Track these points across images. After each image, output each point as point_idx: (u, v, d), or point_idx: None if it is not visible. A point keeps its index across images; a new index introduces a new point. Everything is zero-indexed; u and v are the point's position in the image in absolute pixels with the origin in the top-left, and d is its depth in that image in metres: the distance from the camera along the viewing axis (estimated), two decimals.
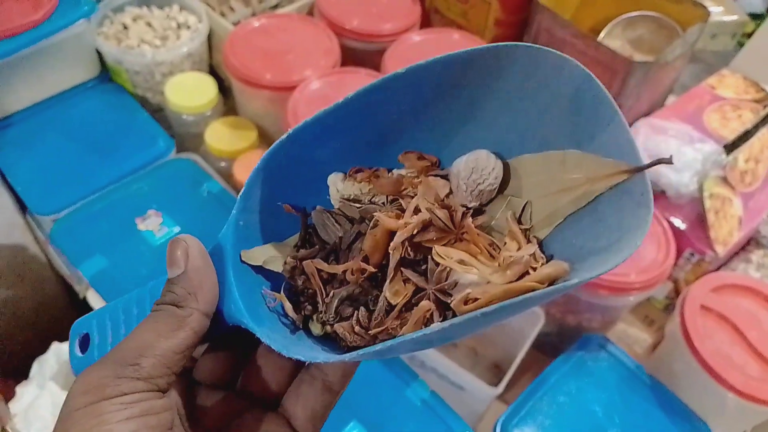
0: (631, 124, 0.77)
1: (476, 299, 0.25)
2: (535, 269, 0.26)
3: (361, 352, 0.25)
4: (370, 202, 0.31)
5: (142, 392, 0.24)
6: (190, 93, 0.79)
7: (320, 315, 0.29)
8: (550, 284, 0.25)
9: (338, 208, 0.31)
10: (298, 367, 0.30)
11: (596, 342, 0.63)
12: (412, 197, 0.30)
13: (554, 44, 0.77)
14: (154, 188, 0.73)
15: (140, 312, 0.29)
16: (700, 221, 0.69)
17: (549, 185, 0.29)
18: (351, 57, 0.83)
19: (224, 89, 0.85)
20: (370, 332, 0.27)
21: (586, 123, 0.27)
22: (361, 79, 0.75)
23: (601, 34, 0.86)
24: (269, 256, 0.31)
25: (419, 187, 0.30)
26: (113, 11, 0.85)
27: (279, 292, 0.30)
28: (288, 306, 0.30)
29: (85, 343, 0.30)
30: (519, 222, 0.29)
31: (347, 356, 0.25)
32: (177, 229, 0.70)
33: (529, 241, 0.28)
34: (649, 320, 0.77)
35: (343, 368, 0.29)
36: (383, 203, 0.31)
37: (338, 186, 0.32)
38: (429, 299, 0.27)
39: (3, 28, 0.71)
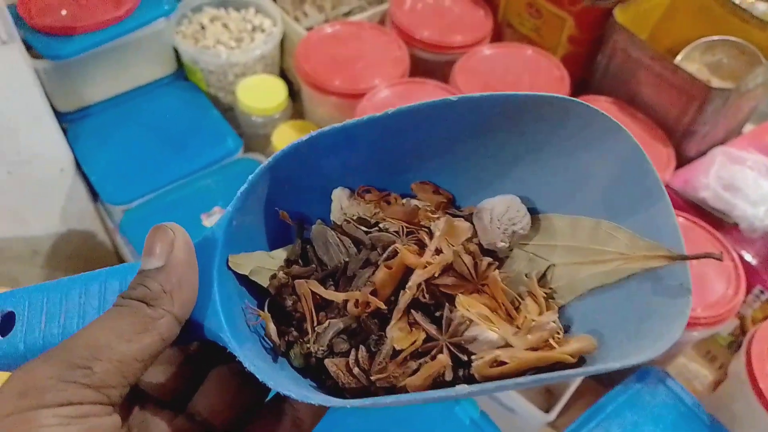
0: (705, 152, 0.74)
1: (502, 363, 0.23)
2: (556, 339, 0.25)
3: (368, 401, 0.23)
4: (380, 229, 0.28)
5: (90, 404, 0.20)
6: (260, 95, 0.80)
7: (306, 344, 0.26)
8: (580, 359, 0.24)
9: (341, 227, 0.29)
10: (255, 392, 0.26)
11: (655, 375, 0.61)
12: (427, 232, 0.28)
13: (630, 65, 0.75)
14: (221, 186, 0.75)
15: (86, 301, 0.25)
16: None
17: (576, 252, 0.27)
18: (420, 67, 0.83)
19: (294, 92, 0.87)
20: (371, 377, 0.25)
21: (628, 196, 0.26)
22: (429, 90, 0.75)
23: (679, 57, 0.83)
24: (256, 266, 0.27)
25: (441, 225, 0.27)
26: (192, 11, 0.87)
27: (263, 309, 0.27)
28: (272, 328, 0.26)
29: (7, 324, 0.25)
30: (540, 283, 0.27)
31: (352, 403, 0.23)
32: None
33: (549, 307, 0.26)
34: (712, 356, 0.74)
35: (316, 408, 0.25)
36: (396, 232, 0.28)
37: (343, 203, 0.29)
38: (443, 352, 0.25)
39: (87, 22, 0.75)
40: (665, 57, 0.71)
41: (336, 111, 0.79)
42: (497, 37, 0.88)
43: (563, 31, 0.79)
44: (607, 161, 0.27)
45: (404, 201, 0.30)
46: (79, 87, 0.79)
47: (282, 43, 0.88)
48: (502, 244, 0.28)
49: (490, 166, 0.29)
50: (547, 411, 0.58)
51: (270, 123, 0.82)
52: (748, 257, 0.67)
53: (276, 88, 0.82)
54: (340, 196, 0.29)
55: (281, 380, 0.24)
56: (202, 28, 0.85)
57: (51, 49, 0.73)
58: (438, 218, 0.28)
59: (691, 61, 0.84)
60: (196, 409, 0.25)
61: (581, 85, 0.83)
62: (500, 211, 0.27)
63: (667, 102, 0.73)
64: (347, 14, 0.92)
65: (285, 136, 0.79)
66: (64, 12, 0.77)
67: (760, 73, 0.72)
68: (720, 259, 0.25)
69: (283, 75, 0.91)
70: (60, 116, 0.79)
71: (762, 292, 0.67)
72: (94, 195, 0.81)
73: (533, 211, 0.29)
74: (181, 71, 0.87)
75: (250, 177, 0.26)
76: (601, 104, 0.77)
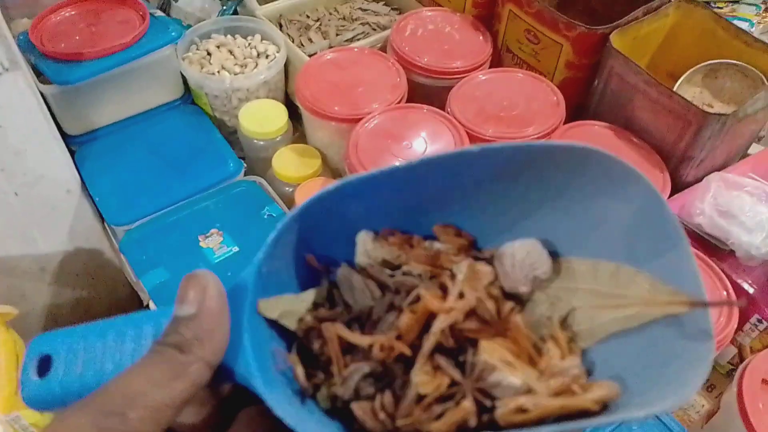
0: (702, 178, 0.73)
1: (526, 410, 0.24)
2: (580, 384, 0.25)
3: None
4: (403, 272, 0.29)
5: None
6: (261, 119, 0.82)
7: (333, 387, 0.26)
8: (603, 406, 0.24)
9: (366, 270, 0.29)
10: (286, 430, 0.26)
11: None
12: (450, 276, 0.28)
13: (626, 90, 0.75)
14: (220, 208, 0.77)
15: (122, 346, 0.26)
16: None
17: (597, 295, 0.28)
18: (419, 92, 0.84)
19: (298, 116, 0.88)
20: (396, 423, 0.25)
21: (647, 241, 0.27)
22: (422, 116, 0.76)
23: (680, 80, 0.82)
24: (285, 309, 0.28)
25: (464, 269, 0.28)
26: (200, 37, 0.90)
27: (290, 351, 0.28)
28: (300, 371, 0.27)
29: (44, 366, 0.26)
30: (561, 327, 0.28)
31: None
32: (236, 248, 0.73)
33: (571, 351, 0.27)
34: (709, 385, 0.73)
35: None
36: (419, 275, 0.29)
37: (368, 246, 0.30)
38: (468, 399, 0.25)
39: (97, 48, 0.78)
40: (660, 83, 0.71)
41: (335, 135, 0.81)
42: (497, 62, 0.89)
43: (560, 56, 0.80)
44: (627, 207, 0.27)
45: (427, 243, 0.30)
46: (87, 111, 0.82)
47: (286, 69, 0.90)
48: (524, 288, 0.28)
49: (512, 210, 0.30)
50: None
51: (271, 146, 0.84)
52: (745, 285, 0.65)
53: (277, 113, 0.83)
54: (364, 240, 0.30)
55: (309, 425, 0.24)
56: (209, 54, 0.88)
57: (60, 75, 0.76)
58: (459, 262, 0.29)
59: (692, 85, 0.83)
60: None
61: (578, 110, 0.83)
62: (521, 256, 0.28)
63: (664, 127, 0.73)
64: (350, 40, 0.93)
65: (285, 160, 0.81)
66: (73, 39, 0.80)
67: (760, 98, 0.71)
68: (743, 306, 0.25)
69: (288, 99, 0.93)
70: (69, 139, 0.82)
71: (760, 321, 0.65)
72: (101, 215, 0.84)
73: (554, 254, 0.29)
74: (189, 95, 0.90)
75: (278, 225, 0.27)
76: (597, 129, 0.77)
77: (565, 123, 0.77)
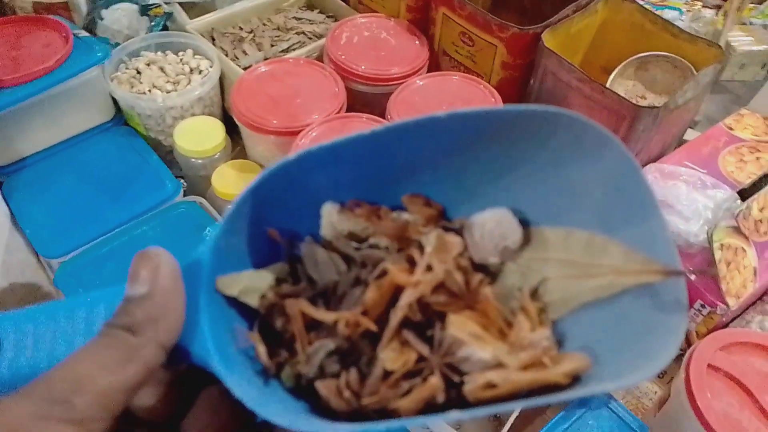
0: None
1: (495, 385, 0.23)
2: (550, 356, 0.24)
3: (359, 426, 0.23)
4: (370, 245, 0.28)
5: None
6: (198, 137, 0.80)
7: (297, 365, 0.26)
8: (574, 379, 0.24)
9: (331, 243, 0.28)
10: (248, 412, 0.25)
11: (598, 398, 0.61)
12: (418, 247, 0.27)
13: (560, 88, 0.76)
14: (158, 232, 0.74)
15: (74, 327, 0.25)
16: (711, 272, 0.66)
17: (569, 265, 0.27)
18: (359, 100, 0.83)
19: (238, 131, 0.86)
20: (362, 401, 0.24)
21: (621, 210, 0.26)
22: (362, 124, 0.75)
23: (613, 74, 0.84)
24: (245, 286, 0.27)
25: (432, 240, 0.27)
26: (128, 56, 0.87)
27: (251, 329, 0.27)
28: (262, 350, 0.26)
29: None
30: (532, 298, 0.27)
31: (344, 427, 0.23)
32: None
33: (541, 323, 0.26)
34: (661, 371, 0.74)
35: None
36: (386, 248, 0.28)
37: (333, 218, 0.29)
38: (435, 375, 0.24)
39: (18, 74, 0.74)
40: (593, 80, 0.72)
41: (275, 148, 0.79)
42: (434, 66, 0.89)
43: (495, 57, 0.80)
44: (600, 173, 0.26)
45: (395, 214, 0.29)
46: (12, 140, 0.78)
47: (221, 83, 0.88)
48: (494, 259, 0.28)
49: (482, 178, 0.29)
50: None
51: (210, 164, 0.81)
52: (686, 273, 0.67)
53: (214, 130, 0.81)
54: (330, 212, 0.29)
55: (271, 407, 0.23)
56: (138, 72, 0.85)
57: None
58: (428, 233, 0.27)
59: (625, 78, 0.85)
60: (186, 428, 0.25)
61: None
62: (491, 226, 0.27)
63: (599, 122, 0.73)
64: (286, 51, 0.92)
65: (225, 177, 0.79)
66: None
67: (689, 88, 0.73)
68: (715, 276, 0.24)
69: (225, 114, 0.91)
70: None
71: (703, 306, 0.67)
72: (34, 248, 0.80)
73: (525, 224, 0.28)
74: (120, 117, 0.87)
75: (236, 198, 0.26)
76: None
77: None
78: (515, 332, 0.25)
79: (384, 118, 0.77)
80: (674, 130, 0.79)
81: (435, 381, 0.24)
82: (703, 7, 1.35)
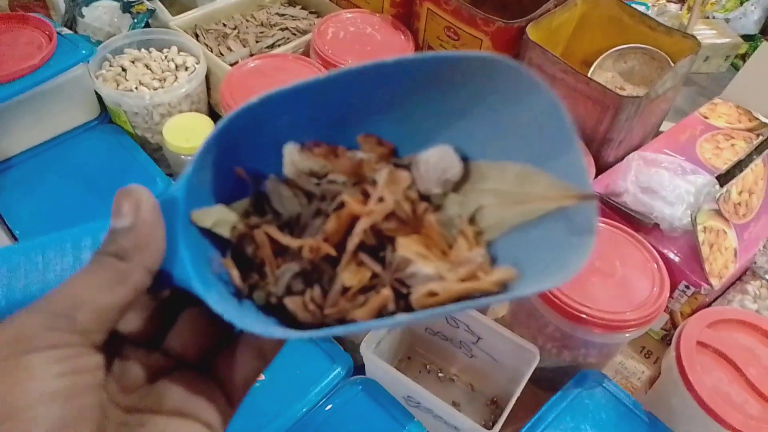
0: (623, 158, 0.77)
1: (436, 294, 0.27)
2: (484, 270, 0.28)
3: (323, 331, 0.26)
4: (328, 180, 0.31)
5: (75, 347, 0.23)
6: (187, 133, 0.80)
7: (266, 286, 0.29)
8: (502, 287, 0.28)
9: (293, 180, 0.31)
10: (224, 330, 0.29)
11: (593, 378, 0.63)
12: (371, 182, 0.30)
13: (545, 79, 0.78)
14: None
15: (62, 259, 0.27)
16: (694, 254, 0.69)
17: (503, 194, 0.30)
18: None
19: None
20: (325, 311, 0.28)
21: (547, 144, 0.29)
22: None
23: (592, 67, 0.87)
24: (217, 218, 0.29)
25: (384, 175, 0.30)
26: (112, 53, 0.86)
27: (224, 257, 0.29)
28: (235, 274, 0.29)
29: None
30: (470, 223, 0.31)
31: (310, 334, 0.26)
32: None
33: (477, 243, 0.30)
34: (647, 351, 0.77)
35: (276, 339, 0.29)
36: (343, 183, 0.31)
37: (294, 157, 0.31)
38: (387, 287, 0.28)
39: (2, 73, 0.73)
40: (577, 71, 0.74)
41: None
42: None
43: (481, 50, 0.82)
44: (529, 113, 0.29)
45: (351, 153, 0.32)
46: None
47: (207, 80, 0.87)
48: (437, 190, 0.31)
49: (428, 119, 0.31)
50: (494, 421, 0.59)
51: None
52: (671, 255, 0.70)
53: (202, 126, 0.81)
54: (291, 151, 0.31)
55: (246, 319, 0.26)
56: (123, 70, 0.84)
57: None
58: (380, 169, 0.31)
59: (605, 70, 0.87)
60: (170, 345, 0.28)
61: None
62: (434, 161, 0.30)
63: (584, 112, 0.76)
64: (271, 47, 0.92)
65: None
66: None
67: (668, 78, 0.76)
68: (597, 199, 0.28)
69: (212, 111, 0.90)
70: None
71: (687, 287, 0.70)
72: None
73: (465, 159, 0.31)
74: (106, 115, 0.86)
75: (206, 138, 0.28)
76: None
77: None
78: (455, 252, 0.29)
79: None
80: (653, 120, 0.82)
81: (386, 292, 0.27)
82: (668, 1, 1.39)
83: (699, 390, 0.57)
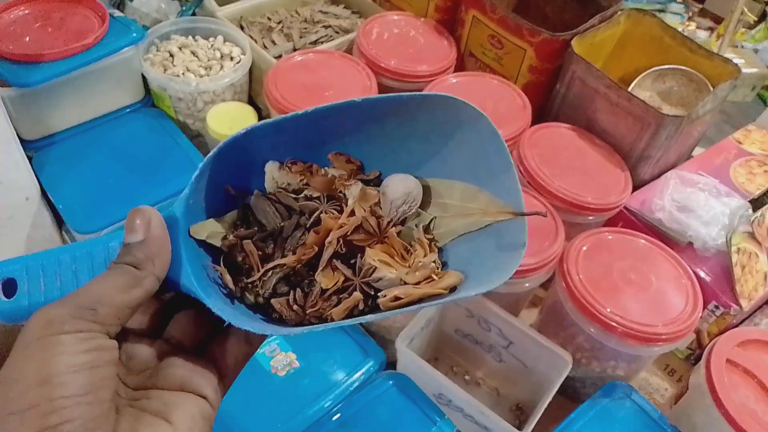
0: (659, 175, 0.78)
1: (400, 298, 0.32)
2: (437, 273, 0.34)
3: (305, 328, 0.31)
4: (306, 197, 0.36)
5: (96, 332, 0.27)
6: (231, 122, 0.81)
7: (255, 289, 0.33)
8: (451, 290, 0.33)
9: (274, 195, 0.36)
10: (216, 321, 0.33)
11: (621, 390, 0.64)
12: (342, 196, 0.36)
13: (587, 93, 0.79)
14: None
15: (78, 266, 0.31)
16: (725, 274, 0.70)
17: (451, 208, 0.36)
18: None
19: (261, 118, 0.88)
20: (306, 310, 0.33)
21: (488, 167, 0.35)
22: None
23: (632, 85, 0.88)
24: (211, 231, 0.34)
25: (355, 192, 0.36)
26: (159, 39, 0.88)
27: (217, 264, 0.34)
28: (228, 278, 0.33)
29: (9, 289, 0.31)
30: (425, 232, 0.36)
31: (294, 330, 0.30)
32: None
33: (431, 249, 0.35)
34: (670, 369, 0.78)
35: None
36: (318, 199, 0.36)
37: (274, 174, 0.36)
38: (357, 290, 0.33)
39: (55, 50, 0.75)
40: (621, 86, 0.75)
41: None
42: (460, 66, 0.92)
43: (524, 61, 0.83)
44: (473, 140, 0.35)
45: (324, 170, 0.37)
46: (45, 114, 0.78)
47: (250, 71, 0.89)
48: (404, 208, 0.37)
49: (390, 141, 0.37)
50: (519, 428, 0.60)
51: None
52: (702, 274, 0.71)
53: (246, 115, 0.82)
54: (271, 169, 0.36)
55: (239, 318, 0.30)
56: (171, 55, 0.86)
57: (18, 77, 0.72)
58: (350, 185, 0.36)
59: (643, 89, 0.89)
60: (170, 334, 0.32)
61: (540, 112, 0.86)
62: (399, 203, 0.35)
63: (623, 128, 0.77)
64: (314, 43, 0.93)
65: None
66: (27, 39, 0.76)
67: (709, 101, 0.77)
68: (545, 216, 0.35)
69: (252, 102, 0.92)
70: (25, 144, 0.77)
71: (717, 307, 0.71)
72: (59, 223, 0.80)
73: (421, 178, 0.37)
74: (149, 98, 0.87)
75: (200, 164, 0.32)
76: (563, 130, 0.81)
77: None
78: (413, 257, 0.35)
79: None
80: (690, 141, 0.83)
81: (357, 294, 0.33)
82: (698, 28, 1.41)
83: (727, 406, 0.58)
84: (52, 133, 0.80)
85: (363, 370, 0.64)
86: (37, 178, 0.75)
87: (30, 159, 0.77)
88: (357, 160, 0.38)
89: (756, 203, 0.75)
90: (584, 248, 0.68)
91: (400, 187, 0.36)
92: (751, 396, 0.60)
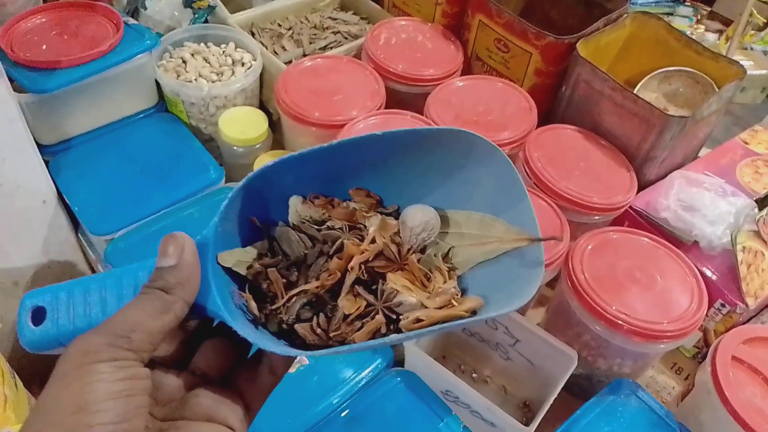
0: (665, 176, 0.79)
1: (421, 320, 0.33)
2: (456, 299, 0.35)
3: (330, 350, 0.32)
4: (328, 227, 0.37)
5: (131, 360, 0.28)
6: (242, 126, 0.83)
7: (279, 315, 0.34)
8: (472, 313, 0.34)
9: (298, 226, 0.37)
10: (240, 352, 0.34)
11: (628, 387, 0.64)
12: (363, 227, 0.37)
13: (592, 95, 0.80)
14: (204, 215, 0.77)
15: (107, 295, 0.32)
16: (731, 273, 0.71)
17: (469, 237, 0.38)
18: (395, 99, 0.86)
19: (272, 123, 0.89)
20: (329, 335, 0.34)
21: (503, 197, 0.37)
22: (406, 121, 0.79)
23: (637, 87, 0.88)
24: (237, 259, 0.35)
25: (376, 222, 0.37)
26: (172, 45, 0.90)
27: (243, 291, 0.35)
28: (253, 305, 0.34)
29: (38, 317, 0.31)
30: (444, 260, 0.37)
31: (318, 353, 0.31)
32: None
33: (450, 277, 0.36)
34: (678, 368, 0.78)
35: (286, 358, 0.34)
36: (341, 228, 0.37)
37: (298, 207, 0.38)
38: (379, 314, 0.34)
39: (73, 56, 0.77)
40: (626, 88, 0.76)
41: (316, 141, 0.82)
42: (467, 70, 0.93)
43: (530, 64, 0.84)
44: (488, 173, 0.37)
45: (345, 203, 0.38)
46: (61, 120, 0.80)
47: (261, 76, 0.90)
48: (424, 235, 0.38)
49: (408, 176, 0.38)
50: (526, 425, 0.60)
51: (251, 153, 0.84)
52: (708, 273, 0.71)
53: (258, 120, 0.84)
54: (295, 202, 0.38)
55: (264, 341, 0.31)
56: (184, 62, 0.88)
57: (35, 84, 0.74)
58: (371, 216, 0.37)
59: (649, 91, 0.89)
60: (196, 365, 0.33)
61: (546, 115, 0.87)
62: (417, 231, 0.37)
63: (629, 129, 0.78)
64: (324, 48, 0.95)
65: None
66: (44, 47, 0.79)
67: (713, 102, 0.77)
68: (560, 240, 0.34)
69: (262, 106, 0.93)
70: (42, 148, 0.79)
71: (723, 305, 0.71)
72: (75, 226, 0.82)
73: (439, 209, 0.38)
74: (163, 103, 0.89)
75: (229, 194, 0.34)
76: (568, 132, 0.82)
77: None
78: (433, 284, 0.36)
79: (421, 115, 0.80)
80: (695, 142, 0.84)
81: (380, 318, 0.34)
82: (706, 31, 1.41)
83: (733, 403, 0.59)
84: (68, 137, 0.82)
85: (371, 367, 0.65)
86: (54, 182, 0.77)
87: (47, 163, 0.79)
88: (376, 195, 0.39)
89: (762, 202, 0.75)
90: (590, 247, 0.69)
91: (419, 215, 0.37)
92: (758, 393, 0.61)
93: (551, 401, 0.62)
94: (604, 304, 0.63)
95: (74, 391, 0.26)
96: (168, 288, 0.30)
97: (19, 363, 0.75)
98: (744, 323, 0.74)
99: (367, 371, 0.65)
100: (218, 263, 0.34)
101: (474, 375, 0.75)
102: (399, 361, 0.68)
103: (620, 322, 0.63)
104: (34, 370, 0.76)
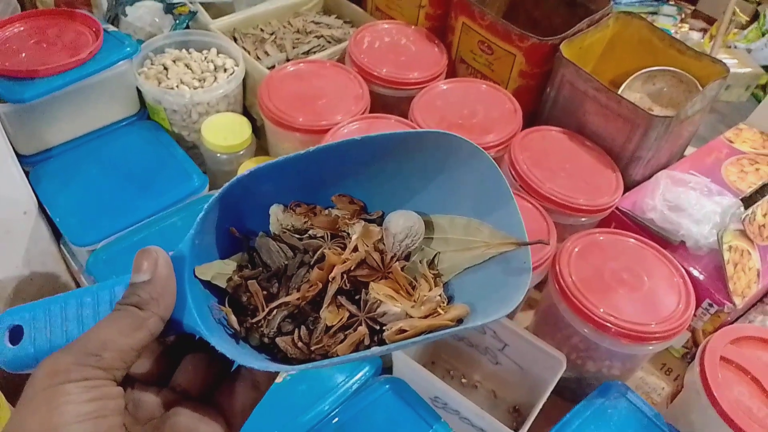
0: (650, 176, 0.79)
1: (405, 331, 0.32)
2: (442, 307, 0.34)
3: (310, 365, 0.31)
4: (310, 236, 0.36)
5: (102, 379, 0.27)
6: (225, 133, 0.82)
7: (260, 328, 0.33)
8: (458, 322, 0.33)
9: (279, 236, 0.36)
10: (222, 367, 0.33)
11: (617, 389, 0.64)
12: (346, 234, 0.36)
13: (577, 96, 0.80)
14: (188, 223, 0.75)
15: (83, 311, 0.31)
16: (718, 272, 0.70)
17: (454, 242, 0.37)
18: (380, 103, 0.86)
19: (256, 129, 0.89)
20: (311, 348, 0.33)
21: (488, 200, 0.36)
22: (390, 125, 0.78)
23: (622, 87, 0.88)
24: (216, 272, 0.34)
25: (358, 229, 0.36)
26: (154, 52, 0.89)
27: (223, 304, 0.34)
28: (233, 319, 0.33)
29: (15, 336, 0.31)
30: (429, 267, 0.36)
31: (299, 367, 0.30)
32: None
33: (436, 284, 0.35)
34: (667, 369, 0.78)
35: (270, 373, 0.33)
36: (322, 237, 0.36)
37: (279, 216, 0.37)
38: (362, 325, 0.33)
39: (50, 66, 0.76)
40: (610, 89, 0.76)
41: (300, 146, 0.81)
42: (451, 72, 0.92)
43: (514, 66, 0.84)
44: (473, 176, 0.36)
45: (327, 211, 0.37)
46: (41, 129, 0.79)
47: (244, 81, 0.90)
48: (407, 242, 0.37)
49: (391, 181, 0.37)
50: (516, 429, 0.60)
51: (235, 159, 0.83)
52: (695, 273, 0.71)
53: (241, 126, 0.83)
54: (276, 211, 0.37)
55: (244, 356, 0.30)
56: (165, 69, 0.87)
57: (13, 93, 0.73)
58: (353, 224, 0.36)
59: (633, 91, 0.89)
60: (176, 382, 0.32)
61: (531, 116, 0.87)
62: (400, 238, 0.36)
63: (613, 130, 0.78)
64: (307, 53, 0.94)
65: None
66: (23, 55, 0.77)
67: (697, 101, 0.77)
68: (548, 244, 0.32)
69: (246, 112, 0.93)
70: (22, 159, 0.78)
71: (711, 305, 0.71)
72: (57, 237, 0.81)
73: (423, 214, 0.37)
74: (144, 111, 0.88)
75: (205, 206, 0.32)
76: (553, 134, 0.82)
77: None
78: (418, 292, 0.34)
79: (406, 118, 0.80)
80: (680, 141, 0.84)
81: (362, 329, 0.33)
82: (690, 29, 1.42)
83: (721, 403, 0.58)
84: (48, 147, 0.81)
85: (359, 374, 0.64)
86: (35, 193, 0.76)
87: (27, 174, 0.77)
88: (360, 201, 0.38)
89: (747, 201, 0.75)
90: (576, 249, 0.68)
91: (402, 221, 0.36)
92: (746, 392, 0.61)
93: (541, 405, 0.62)
94: (591, 306, 0.63)
95: (41, 416, 0.25)
96: (141, 304, 0.29)
97: (5, 379, 0.73)
98: (732, 322, 0.74)
99: (355, 379, 0.64)
100: (196, 277, 0.33)
101: (463, 380, 0.74)
102: (387, 368, 0.68)
103: (608, 324, 0.62)
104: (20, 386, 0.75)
